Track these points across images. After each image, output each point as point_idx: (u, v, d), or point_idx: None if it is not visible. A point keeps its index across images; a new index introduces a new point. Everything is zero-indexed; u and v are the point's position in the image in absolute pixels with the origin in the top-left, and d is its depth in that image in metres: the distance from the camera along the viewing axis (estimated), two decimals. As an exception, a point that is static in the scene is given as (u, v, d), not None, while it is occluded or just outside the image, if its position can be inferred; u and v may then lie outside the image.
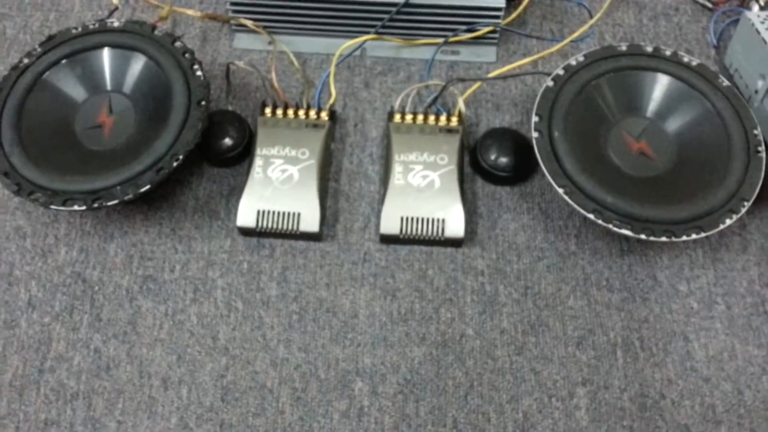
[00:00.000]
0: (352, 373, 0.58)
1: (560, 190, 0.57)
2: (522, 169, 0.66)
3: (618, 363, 0.58)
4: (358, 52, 0.74)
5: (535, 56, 0.71)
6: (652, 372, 0.57)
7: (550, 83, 0.62)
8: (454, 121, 0.66)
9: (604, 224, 0.55)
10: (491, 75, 0.69)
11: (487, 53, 0.74)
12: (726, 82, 0.61)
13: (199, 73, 0.62)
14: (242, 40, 0.75)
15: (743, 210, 0.56)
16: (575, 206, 0.56)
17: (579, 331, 0.59)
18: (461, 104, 0.66)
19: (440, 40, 0.72)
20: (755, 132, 0.59)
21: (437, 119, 0.66)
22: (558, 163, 0.58)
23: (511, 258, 0.63)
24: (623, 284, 0.61)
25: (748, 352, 0.58)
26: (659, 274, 0.62)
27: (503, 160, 0.65)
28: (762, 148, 0.58)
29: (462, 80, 0.69)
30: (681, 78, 0.62)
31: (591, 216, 0.55)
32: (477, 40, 0.73)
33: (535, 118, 0.60)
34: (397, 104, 0.68)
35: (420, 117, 0.66)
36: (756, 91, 0.65)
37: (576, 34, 0.69)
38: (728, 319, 0.60)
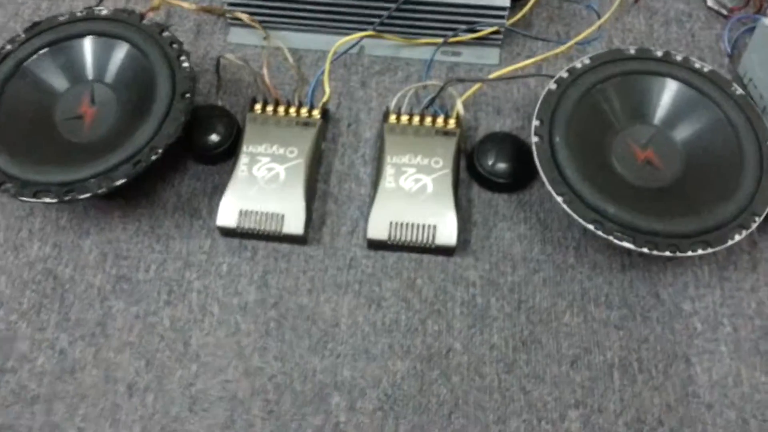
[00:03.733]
0: (330, 386, 0.54)
1: (559, 199, 0.53)
2: (521, 176, 0.62)
3: (614, 385, 0.54)
4: (356, 50, 0.71)
5: (538, 57, 0.68)
6: (650, 396, 0.54)
7: (553, 86, 0.59)
8: (452, 123, 0.63)
9: (605, 236, 0.52)
10: (492, 76, 0.66)
11: (489, 55, 0.71)
12: (740, 91, 0.58)
13: (186, 64, 0.59)
14: (237, 35, 0.73)
15: (754, 225, 0.52)
16: (575, 216, 0.52)
17: (574, 349, 0.56)
18: (459, 106, 0.63)
19: (442, 40, 0.70)
20: (769, 143, 0.55)
21: (434, 121, 0.63)
22: (558, 170, 0.54)
23: (505, 269, 0.59)
24: (623, 301, 0.58)
25: (755, 378, 0.54)
26: (662, 292, 0.58)
27: (501, 165, 0.62)
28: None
29: (461, 81, 0.66)
30: (692, 84, 0.58)
31: (591, 227, 0.52)
32: (479, 41, 0.70)
33: (535, 122, 0.57)
34: (393, 104, 0.65)
35: (416, 118, 0.63)
36: (772, 102, 0.61)
37: (581, 36, 0.66)
38: (734, 343, 0.56)
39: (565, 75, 0.59)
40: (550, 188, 0.54)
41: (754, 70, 0.65)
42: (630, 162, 0.57)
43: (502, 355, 0.56)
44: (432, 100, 0.65)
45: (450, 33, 0.69)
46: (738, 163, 0.54)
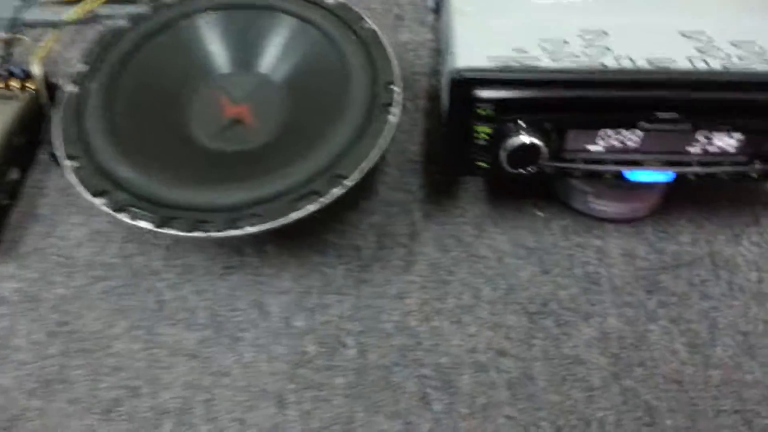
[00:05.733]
0: None
1: (67, 163, 0.36)
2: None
3: (156, 443, 0.36)
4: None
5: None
6: (207, 458, 0.36)
7: (124, 23, 0.43)
8: (32, 85, 0.46)
9: (115, 213, 0.35)
10: (68, 17, 0.50)
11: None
12: (370, 25, 0.43)
13: None
14: None
15: (338, 192, 0.35)
16: (77, 186, 0.35)
17: (117, 390, 0.37)
18: (34, 63, 0.47)
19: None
20: (393, 87, 0.40)
21: (7, 84, 0.46)
22: (79, 127, 0.38)
23: (56, 279, 0.41)
24: (211, 318, 0.40)
25: (376, 424, 0.37)
26: (270, 303, 0.41)
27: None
28: (396, 111, 0.39)
29: (31, 26, 0.49)
30: (310, 20, 0.43)
31: (97, 201, 0.35)
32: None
33: (79, 68, 0.41)
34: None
35: (-14, 82, 0.46)
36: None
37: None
38: (358, 373, 0.38)
39: (146, 10, 0.43)
40: (59, 150, 0.37)
41: (443, 22, 0.51)
42: (213, 120, 0.41)
43: (7, 403, 0.37)
44: (3, 58, 0.48)
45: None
46: (339, 111, 0.38)
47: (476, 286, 0.41)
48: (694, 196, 0.44)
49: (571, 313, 0.40)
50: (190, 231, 0.34)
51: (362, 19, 0.43)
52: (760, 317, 0.39)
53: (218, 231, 0.34)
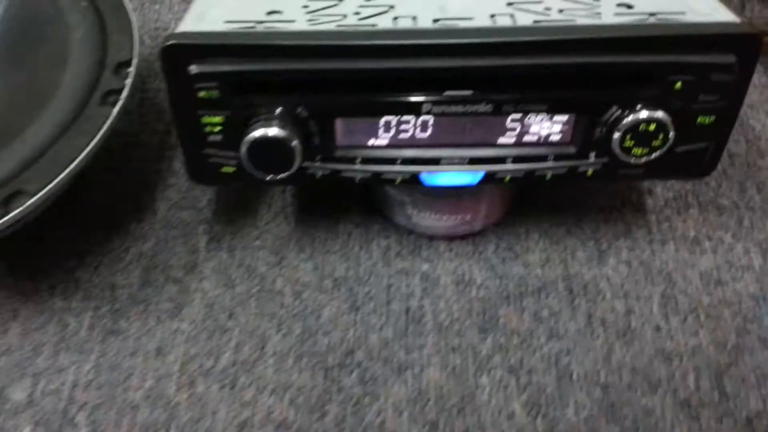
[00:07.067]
0: None
1: None
2: None
3: None
4: None
5: None
6: None
7: None
8: None
9: None
10: None
11: None
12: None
13: None
14: None
15: (16, 215, 0.25)
16: None
17: None
18: None
19: None
20: (128, 70, 0.30)
21: None
22: None
23: None
24: None
25: None
26: (-23, 370, 0.30)
27: None
28: (123, 100, 0.29)
29: None
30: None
31: None
32: None
33: None
34: None
35: None
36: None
37: None
38: (84, 462, 0.28)
39: None
40: None
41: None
42: None
43: None
44: None
45: None
46: (40, 102, 0.28)
47: (263, 334, 0.31)
48: (551, 199, 0.34)
49: (382, 364, 0.30)
50: None
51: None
52: (627, 363, 0.29)
53: None
